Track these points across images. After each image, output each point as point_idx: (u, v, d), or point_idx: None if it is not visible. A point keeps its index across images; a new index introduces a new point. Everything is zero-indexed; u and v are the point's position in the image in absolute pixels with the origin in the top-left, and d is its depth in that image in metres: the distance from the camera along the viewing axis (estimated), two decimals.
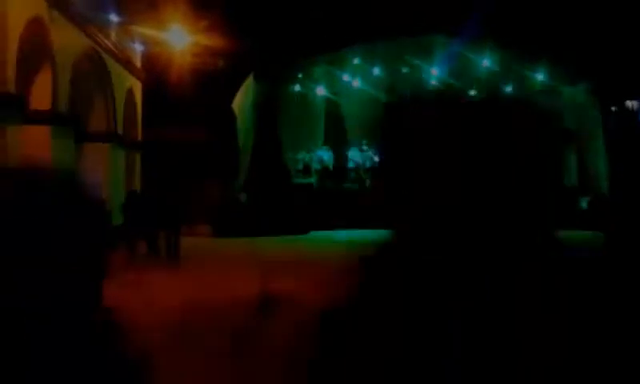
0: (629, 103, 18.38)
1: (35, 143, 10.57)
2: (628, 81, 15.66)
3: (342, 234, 13.81)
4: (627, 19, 13.84)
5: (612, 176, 15.08)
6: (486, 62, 16.65)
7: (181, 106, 16.68)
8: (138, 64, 16.18)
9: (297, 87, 17.81)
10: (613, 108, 17.57)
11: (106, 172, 13.65)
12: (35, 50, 10.32)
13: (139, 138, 16.09)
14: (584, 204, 14.67)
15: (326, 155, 17.25)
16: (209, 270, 9.48)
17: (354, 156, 17.58)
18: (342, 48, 15.95)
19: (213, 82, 16.18)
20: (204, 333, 5.81)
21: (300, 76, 17.39)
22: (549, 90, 17.03)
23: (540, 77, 16.76)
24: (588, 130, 15.90)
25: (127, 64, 15.17)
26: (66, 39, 11.35)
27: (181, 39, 14.75)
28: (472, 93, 18.26)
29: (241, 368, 4.65)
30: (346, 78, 17.73)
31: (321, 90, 18.00)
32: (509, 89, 17.85)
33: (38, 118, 10.63)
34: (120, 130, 14.56)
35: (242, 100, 15.64)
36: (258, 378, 4.44)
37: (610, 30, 14.14)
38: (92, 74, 13.29)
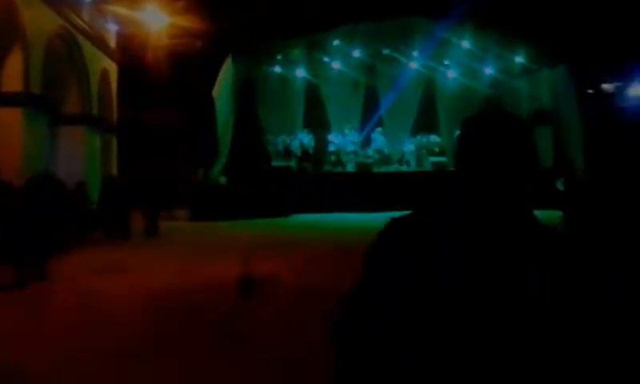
0: (605, 86, 18.60)
1: (7, 126, 10.30)
2: (605, 64, 15.82)
3: (322, 218, 13.79)
4: (604, 3, 13.94)
5: (587, 158, 15.27)
6: (466, 44, 16.65)
7: (157, 89, 16.41)
8: (113, 45, 15.83)
9: (276, 70, 17.62)
10: (589, 91, 17.76)
11: (82, 155, 13.40)
12: (5, 30, 10.01)
13: (115, 120, 15.80)
14: (560, 185, 14.86)
15: (306, 138, 17.15)
16: (188, 253, 9.38)
17: (335, 139, 17.52)
18: (322, 30, 15.79)
19: (190, 64, 15.94)
20: (185, 314, 5.74)
21: (279, 58, 17.19)
22: (526, 72, 17.14)
23: (518, 59, 16.84)
24: (565, 112, 16.04)
25: (101, 45, 14.82)
26: (38, 18, 11.03)
27: (157, 20, 14.46)
28: (453, 75, 18.31)
29: (223, 349, 4.60)
30: (326, 60, 17.60)
31: (301, 73, 17.83)
32: (488, 71, 17.92)
33: (9, 101, 10.35)
34: (95, 113, 14.27)
35: (222, 82, 15.42)
36: (241, 358, 4.40)
37: (588, 13, 14.23)
38: (65, 54, 12.97)
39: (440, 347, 1.14)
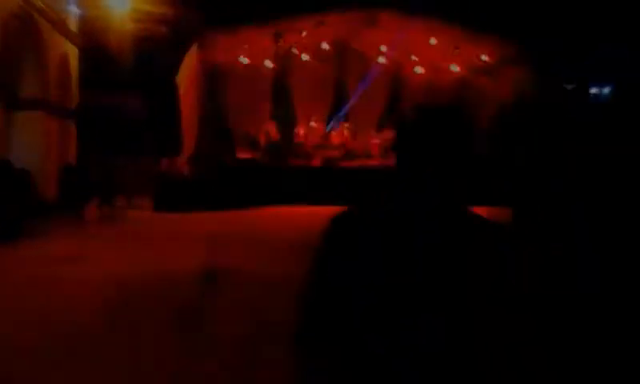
0: (568, 86, 19.00)
1: None
2: (568, 61, 16.14)
3: (287, 210, 13.71)
4: (571, 2, 14.21)
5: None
6: (433, 40, 16.75)
7: (120, 75, 16.01)
8: (74, 28, 15.34)
9: (243, 60, 17.38)
10: (552, 87, 18.10)
11: (38, 141, 12.95)
12: None
13: (74, 106, 15.32)
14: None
15: (272, 130, 16.99)
16: (149, 242, 9.17)
17: (301, 132, 17.43)
18: (289, 18, 15.63)
19: (154, 51, 15.57)
20: (145, 306, 5.59)
21: (246, 47, 16.95)
22: (491, 69, 17.36)
23: (483, 56, 17.04)
24: (528, 109, 16.30)
25: (62, 28, 14.34)
26: None
27: (120, 3, 14.09)
28: (419, 70, 18.41)
29: (186, 341, 4.49)
30: (294, 51, 17.46)
31: (268, 63, 17.65)
32: (454, 68, 18.07)
33: None
34: (53, 98, 13.80)
35: (186, 70, 15.12)
36: (205, 350, 4.31)
37: (555, 11, 14.49)
38: (22, 36, 12.48)
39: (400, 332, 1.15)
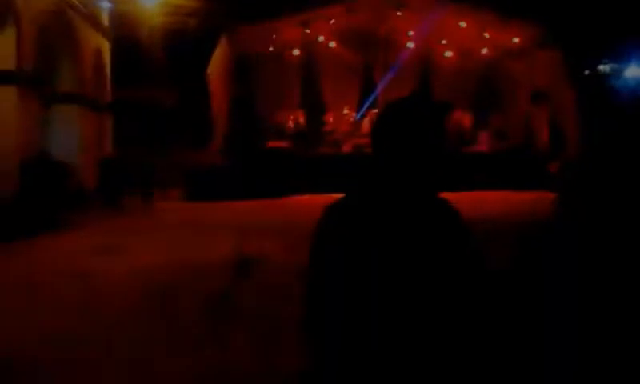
0: (601, 67, 18.55)
1: (1, 105, 10.23)
2: (602, 45, 15.76)
3: (317, 199, 13.79)
4: None
5: (582, 140, 15.28)
6: (463, 23, 16.53)
7: (152, 68, 16.29)
8: (106, 23, 15.65)
9: (272, 49, 17.47)
10: (586, 71, 17.71)
11: (74, 135, 13.31)
12: None
13: (108, 99, 15.68)
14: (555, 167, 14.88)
15: (301, 118, 17.08)
16: (182, 232, 9.38)
17: (330, 119, 17.45)
18: (317, 6, 15.62)
19: (184, 43, 15.79)
20: (180, 293, 5.77)
21: (274, 37, 17.03)
22: (522, 52, 17.06)
23: (515, 39, 16.75)
24: (560, 93, 16.01)
25: (95, 22, 14.66)
26: None
27: None
28: (448, 54, 18.22)
29: (218, 327, 4.64)
30: (321, 39, 17.46)
31: (296, 52, 17.72)
32: (485, 51, 17.83)
33: (3, 79, 10.25)
34: (89, 91, 14.16)
35: (216, 61, 15.29)
36: (234, 338, 4.44)
37: None
38: (58, 32, 12.82)
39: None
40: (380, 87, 17.91)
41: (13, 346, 4.32)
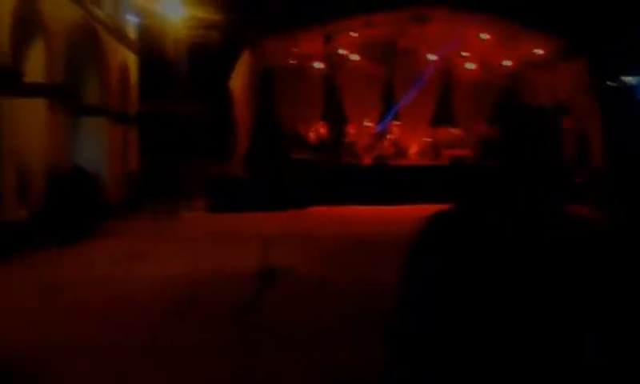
0: (626, 79, 18.32)
1: (31, 117, 10.45)
2: (626, 56, 15.58)
3: (339, 210, 13.81)
4: None
5: (607, 151, 15.09)
6: (485, 35, 16.49)
7: (177, 81, 16.51)
8: (133, 37, 15.95)
9: (294, 61, 17.63)
10: (610, 82, 17.51)
11: (101, 147, 13.54)
12: (27, 21, 10.14)
13: (135, 112, 15.93)
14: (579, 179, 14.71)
15: (323, 130, 17.16)
16: (206, 243, 9.48)
17: (352, 131, 17.49)
18: (339, 19, 15.72)
19: (208, 56, 16.00)
20: (205, 301, 5.83)
21: (296, 50, 17.19)
22: (545, 64, 16.94)
23: (537, 50, 16.65)
24: (585, 105, 15.85)
25: (121, 36, 14.95)
26: (59, 9, 11.16)
27: (175, 11, 14.55)
28: (470, 66, 18.18)
29: (242, 336, 4.67)
30: (343, 52, 17.57)
31: (318, 65, 17.85)
32: (507, 62, 17.75)
33: (33, 91, 10.48)
34: (115, 104, 14.41)
35: (239, 74, 15.48)
36: (259, 346, 4.48)
37: (609, 4, 14.02)
38: (85, 46, 13.09)
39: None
40: (404, 100, 17.94)
41: (40, 351, 4.40)
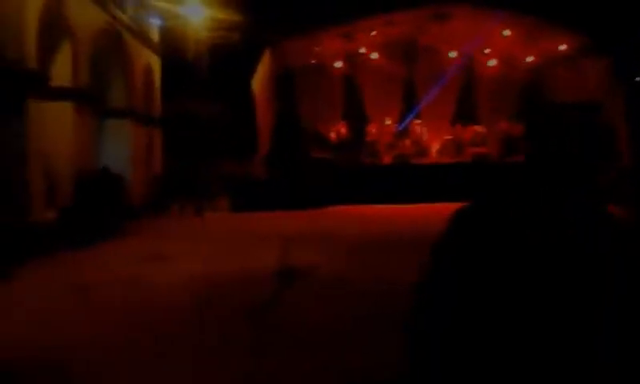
0: None
1: (58, 120, 10.70)
2: None
3: (359, 209, 13.83)
4: None
5: (635, 149, 14.82)
6: (507, 32, 16.32)
7: (199, 82, 16.71)
8: (156, 39, 16.18)
9: (314, 61, 17.69)
10: (637, 78, 17.18)
11: (126, 148, 13.77)
12: (54, 26, 10.38)
13: (158, 114, 16.17)
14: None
15: (344, 129, 17.19)
16: (229, 242, 9.60)
17: (373, 130, 17.48)
18: (360, 19, 15.72)
19: (229, 57, 16.16)
20: (226, 300, 5.92)
21: (317, 49, 17.23)
22: (569, 61, 16.70)
23: (561, 47, 16.42)
24: (610, 101, 15.58)
25: (145, 39, 15.19)
26: (84, 14, 11.40)
27: (196, 13, 14.72)
28: (492, 63, 18.01)
29: (255, 337, 4.72)
30: (363, 50, 17.56)
31: (338, 64, 17.88)
32: (530, 58, 17.55)
33: (60, 94, 10.73)
34: (139, 106, 14.64)
35: (260, 74, 15.59)
36: (271, 346, 4.53)
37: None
38: (110, 49, 13.34)
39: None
40: (422, 98, 17.86)
41: (65, 349, 4.53)
